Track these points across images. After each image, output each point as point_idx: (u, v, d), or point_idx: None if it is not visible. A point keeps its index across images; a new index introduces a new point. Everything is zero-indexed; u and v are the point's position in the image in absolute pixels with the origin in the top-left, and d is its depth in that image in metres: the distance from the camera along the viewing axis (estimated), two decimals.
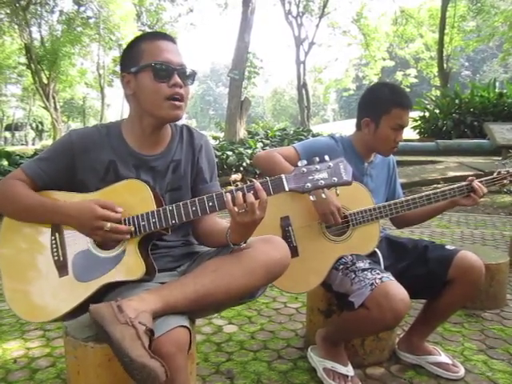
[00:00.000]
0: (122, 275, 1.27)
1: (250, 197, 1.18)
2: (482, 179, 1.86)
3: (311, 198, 1.24)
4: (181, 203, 1.27)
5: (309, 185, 1.21)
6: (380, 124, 1.82)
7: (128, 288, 1.28)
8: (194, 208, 1.25)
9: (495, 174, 1.88)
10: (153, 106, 1.33)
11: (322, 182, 1.21)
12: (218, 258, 1.29)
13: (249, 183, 1.22)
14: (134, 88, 1.35)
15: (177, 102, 1.33)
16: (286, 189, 1.22)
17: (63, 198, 1.36)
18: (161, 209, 1.28)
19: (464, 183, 1.83)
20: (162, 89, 1.31)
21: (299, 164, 1.23)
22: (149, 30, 23.05)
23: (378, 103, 1.83)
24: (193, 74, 1.38)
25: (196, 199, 1.26)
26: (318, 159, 1.23)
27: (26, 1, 18.31)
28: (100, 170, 1.38)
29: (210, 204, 1.25)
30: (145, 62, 1.31)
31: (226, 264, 1.24)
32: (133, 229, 1.27)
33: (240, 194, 1.18)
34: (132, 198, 1.32)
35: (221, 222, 1.42)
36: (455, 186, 1.85)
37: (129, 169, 1.40)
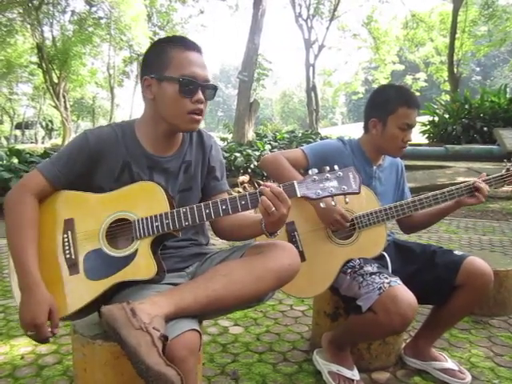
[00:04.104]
0: (134, 275, 1.27)
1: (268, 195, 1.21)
2: (491, 177, 1.85)
3: (321, 205, 1.27)
4: (195, 205, 1.28)
5: (320, 192, 1.24)
6: (387, 124, 1.82)
7: (137, 289, 1.28)
8: (207, 210, 1.27)
9: (504, 171, 1.86)
10: (173, 116, 1.35)
11: (332, 189, 1.24)
12: (229, 263, 1.30)
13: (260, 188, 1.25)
14: (155, 93, 1.35)
15: (196, 116, 1.35)
16: (298, 195, 1.24)
17: (79, 198, 1.38)
18: (174, 210, 1.29)
19: (471, 182, 1.82)
20: (186, 103, 1.32)
21: (310, 172, 1.26)
22: (159, 31, 23.19)
23: (385, 103, 1.83)
24: (214, 90, 1.39)
25: (210, 202, 1.27)
26: (328, 168, 1.25)
27: (39, 1, 18.48)
28: (115, 170, 1.39)
29: (224, 207, 1.26)
30: (172, 73, 1.31)
31: (237, 269, 1.24)
32: (51, 340, 1.29)
33: (266, 200, 1.21)
34: (146, 199, 1.33)
35: (250, 215, 1.41)
36: (462, 184, 1.83)
37: (142, 170, 1.41)
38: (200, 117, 1.36)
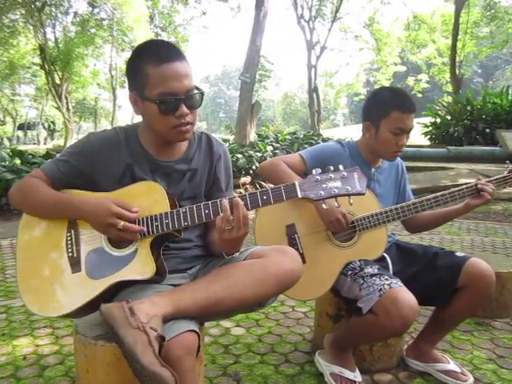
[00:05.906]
0: (133, 274, 1.28)
1: (237, 212, 1.21)
2: (493, 178, 1.84)
3: (324, 206, 1.24)
4: (194, 205, 1.29)
5: (322, 193, 1.22)
6: (380, 127, 1.79)
7: (138, 289, 1.29)
8: (206, 211, 1.27)
9: (506, 173, 1.85)
10: (160, 132, 1.36)
11: (336, 190, 1.21)
12: (231, 266, 1.30)
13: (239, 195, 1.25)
14: (141, 110, 1.36)
15: (184, 128, 1.33)
16: (299, 195, 1.22)
17: (81, 197, 1.39)
18: (174, 210, 1.29)
19: (473, 183, 1.82)
20: (169, 120, 1.31)
21: (313, 172, 1.24)
22: (161, 33, 23.19)
23: (378, 106, 1.81)
24: (201, 97, 1.35)
25: (209, 202, 1.28)
26: (332, 168, 1.23)
27: (42, 2, 18.51)
28: (117, 172, 1.41)
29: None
30: (150, 93, 1.28)
31: (239, 272, 1.24)
32: (145, 229, 1.28)
33: (228, 210, 1.21)
34: (147, 199, 1.34)
35: None
36: (463, 186, 1.83)
37: (145, 173, 1.42)
38: (187, 127, 1.34)
